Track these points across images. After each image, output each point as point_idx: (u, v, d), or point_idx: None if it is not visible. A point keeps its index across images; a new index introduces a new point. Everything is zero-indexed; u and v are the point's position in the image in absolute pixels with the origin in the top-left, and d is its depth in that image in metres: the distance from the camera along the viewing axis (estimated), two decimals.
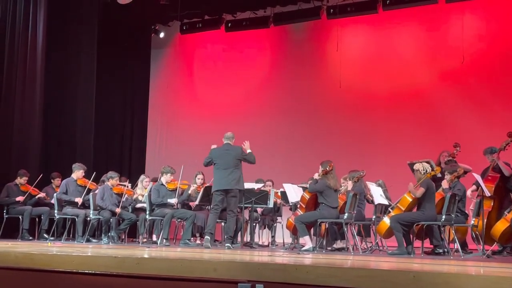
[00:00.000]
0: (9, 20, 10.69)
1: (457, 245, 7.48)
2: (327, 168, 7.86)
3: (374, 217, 8.37)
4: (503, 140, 7.98)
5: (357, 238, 8.44)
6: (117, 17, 12.61)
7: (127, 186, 9.75)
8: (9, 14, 10.70)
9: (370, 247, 8.43)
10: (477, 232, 7.74)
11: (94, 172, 9.90)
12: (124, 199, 9.39)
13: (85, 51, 11.86)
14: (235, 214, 8.22)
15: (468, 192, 7.96)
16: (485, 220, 7.48)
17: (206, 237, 8.06)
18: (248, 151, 8.30)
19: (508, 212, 7.48)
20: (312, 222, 7.93)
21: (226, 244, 7.93)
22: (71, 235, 9.80)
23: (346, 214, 7.81)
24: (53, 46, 11.26)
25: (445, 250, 7.50)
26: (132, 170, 12.91)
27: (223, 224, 8.69)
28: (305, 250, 7.65)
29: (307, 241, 7.86)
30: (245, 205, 8.83)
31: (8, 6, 10.71)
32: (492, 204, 7.80)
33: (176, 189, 9.21)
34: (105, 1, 12.17)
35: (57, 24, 11.33)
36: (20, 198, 9.65)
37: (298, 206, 8.44)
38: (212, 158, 8.30)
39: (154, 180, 9.92)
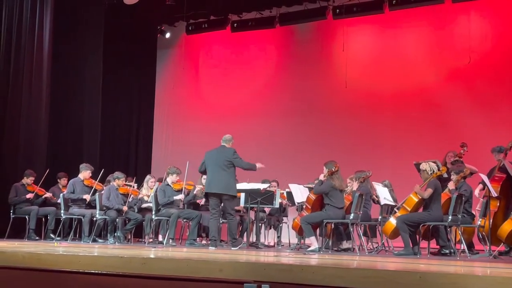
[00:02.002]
0: (15, 20, 10.71)
1: (463, 246, 7.47)
2: (333, 169, 7.85)
3: (380, 217, 8.36)
4: (510, 140, 7.96)
5: (363, 238, 8.43)
6: (123, 18, 12.63)
7: (133, 187, 9.77)
8: (15, 15, 10.73)
9: (376, 247, 8.42)
10: (483, 233, 7.72)
11: (102, 170, 9.91)
12: (130, 199, 9.41)
13: (91, 51, 11.89)
14: (233, 216, 8.18)
15: (476, 192, 7.93)
16: (492, 221, 7.46)
17: (211, 247, 8.06)
18: (257, 165, 8.16)
19: None
20: (318, 222, 7.92)
21: (232, 248, 7.92)
22: (77, 235, 9.83)
23: (352, 215, 7.80)
24: (60, 47, 11.28)
25: (452, 250, 7.48)
26: (138, 171, 12.93)
27: (227, 224, 8.69)
28: (311, 251, 7.65)
29: (313, 242, 7.86)
30: (251, 206, 8.83)
31: (14, 7, 10.74)
32: (498, 204, 7.77)
33: (182, 189, 9.23)
34: (111, 1, 12.20)
35: (63, 25, 11.35)
36: (30, 196, 9.69)
37: (304, 206, 8.43)
38: (205, 160, 8.25)
39: (160, 180, 9.93)
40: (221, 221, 8.67)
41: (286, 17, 12.46)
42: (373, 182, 8.69)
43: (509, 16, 11.05)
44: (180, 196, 9.12)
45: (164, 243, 8.90)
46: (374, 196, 8.71)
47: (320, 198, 8.05)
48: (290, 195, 9.24)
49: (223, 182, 7.99)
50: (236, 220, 8.37)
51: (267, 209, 9.84)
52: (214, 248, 7.92)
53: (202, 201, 9.24)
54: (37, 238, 9.55)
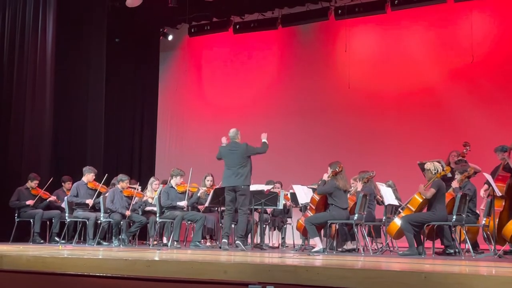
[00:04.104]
0: (18, 23, 10.74)
1: (468, 245, 7.45)
2: (337, 169, 7.84)
3: (384, 217, 8.35)
4: None
5: (368, 239, 8.41)
6: (126, 20, 12.65)
7: (137, 189, 9.78)
8: (18, 18, 10.76)
9: (381, 248, 8.41)
10: (488, 232, 7.70)
11: (106, 175, 9.94)
12: (134, 202, 9.42)
13: (94, 54, 11.90)
14: (245, 212, 8.24)
15: (481, 192, 7.91)
16: (497, 220, 7.44)
17: (223, 240, 8.10)
18: (264, 140, 8.41)
19: None
20: (322, 223, 7.91)
21: (237, 242, 7.95)
22: (82, 238, 9.84)
23: (356, 215, 7.79)
24: (63, 50, 11.29)
25: (456, 250, 7.47)
26: (142, 173, 12.95)
27: (233, 226, 8.68)
28: (316, 252, 7.64)
29: (317, 243, 7.85)
30: (255, 207, 8.83)
31: (17, 10, 10.77)
32: (503, 204, 7.75)
33: (186, 191, 9.23)
34: (113, 4, 12.22)
35: (66, 28, 11.36)
36: (30, 202, 9.69)
37: (308, 207, 8.43)
38: (222, 156, 8.41)
39: (164, 182, 9.93)
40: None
41: (288, 18, 12.47)
42: (376, 183, 8.68)
43: (511, 14, 11.03)
44: (183, 203, 9.11)
45: (169, 245, 8.90)
46: (378, 196, 8.69)
47: (324, 199, 8.05)
48: (294, 196, 9.24)
49: (239, 176, 8.16)
50: (246, 217, 8.37)
51: (268, 211, 9.83)
52: (226, 241, 8.04)
53: (202, 208, 9.27)
54: (41, 241, 9.56)
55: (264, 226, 9.45)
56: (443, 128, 11.05)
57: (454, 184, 7.72)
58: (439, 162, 7.56)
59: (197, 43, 13.75)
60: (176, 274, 4.63)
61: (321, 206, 8.15)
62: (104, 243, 9.47)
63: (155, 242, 9.52)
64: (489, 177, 7.42)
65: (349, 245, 8.29)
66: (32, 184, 9.83)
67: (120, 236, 9.24)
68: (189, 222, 9.31)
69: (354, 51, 12.09)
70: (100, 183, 9.71)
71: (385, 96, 11.80)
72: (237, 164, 8.19)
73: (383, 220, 8.37)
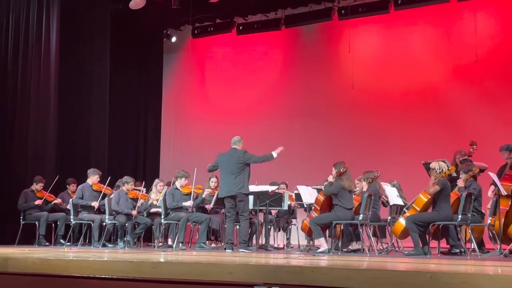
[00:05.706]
0: (22, 27, 10.76)
1: (473, 245, 7.42)
2: (341, 170, 7.83)
3: (389, 217, 8.34)
4: None
5: (373, 239, 8.40)
6: (129, 23, 12.67)
7: (142, 191, 9.79)
8: (22, 22, 10.77)
9: (386, 248, 8.39)
10: (494, 232, 7.67)
11: (109, 177, 9.95)
12: (139, 204, 9.43)
13: (98, 56, 11.93)
14: (246, 217, 8.22)
15: (489, 192, 7.87)
16: (502, 219, 7.41)
17: (227, 250, 8.08)
18: (272, 152, 8.27)
19: None
20: (327, 223, 7.90)
21: (240, 250, 7.94)
22: (87, 240, 9.84)
23: (361, 215, 7.78)
24: (66, 53, 11.32)
25: (462, 250, 7.45)
26: (146, 175, 12.95)
27: (237, 227, 8.69)
28: (321, 252, 7.64)
29: (322, 243, 7.84)
30: (260, 208, 8.83)
31: (21, 14, 10.79)
32: (509, 203, 7.71)
33: (191, 193, 9.23)
34: (117, 6, 12.25)
35: (70, 30, 11.39)
36: (38, 202, 9.71)
37: (313, 208, 8.42)
38: (218, 164, 8.33)
39: (168, 184, 9.94)
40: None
41: (291, 19, 12.47)
42: (381, 183, 8.67)
43: None
44: (189, 203, 9.12)
45: (174, 246, 8.91)
46: (383, 196, 8.67)
47: (329, 199, 8.04)
48: (298, 197, 9.23)
49: (236, 185, 8.07)
50: (248, 222, 8.37)
51: (273, 212, 9.82)
52: (230, 251, 7.95)
53: (209, 207, 9.27)
54: (47, 244, 9.58)
55: (269, 227, 9.44)
56: (447, 127, 11.03)
57: (459, 183, 7.69)
58: (444, 161, 7.54)
59: (201, 44, 13.77)
60: (182, 275, 4.63)
61: (325, 206, 8.13)
62: (110, 245, 9.48)
63: (160, 244, 9.54)
64: (494, 177, 7.39)
65: (354, 246, 8.27)
66: (37, 186, 9.85)
67: (125, 238, 9.25)
68: (194, 223, 9.32)
69: (358, 51, 12.09)
70: (105, 185, 9.72)
71: (389, 96, 11.78)
72: (234, 171, 8.08)
73: (388, 220, 8.36)
